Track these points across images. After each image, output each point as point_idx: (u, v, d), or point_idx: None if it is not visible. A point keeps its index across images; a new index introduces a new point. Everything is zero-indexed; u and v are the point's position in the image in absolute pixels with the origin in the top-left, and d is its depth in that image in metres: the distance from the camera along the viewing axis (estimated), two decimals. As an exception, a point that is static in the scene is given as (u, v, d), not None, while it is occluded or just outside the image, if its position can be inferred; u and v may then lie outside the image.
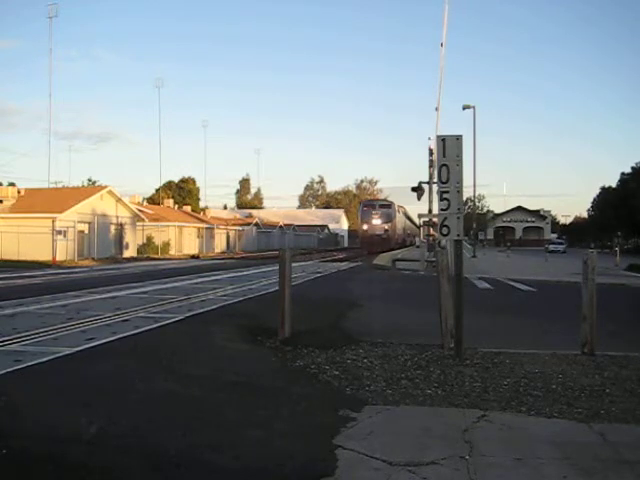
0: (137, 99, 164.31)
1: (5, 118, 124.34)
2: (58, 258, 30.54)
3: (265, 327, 8.09)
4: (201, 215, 58.65)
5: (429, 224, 26.16)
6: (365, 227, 53.13)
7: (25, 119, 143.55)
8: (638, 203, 52.09)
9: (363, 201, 65.95)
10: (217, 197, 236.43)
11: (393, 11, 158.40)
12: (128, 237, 39.06)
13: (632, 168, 61.63)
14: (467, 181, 48.81)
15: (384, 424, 4.36)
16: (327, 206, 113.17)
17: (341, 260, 37.55)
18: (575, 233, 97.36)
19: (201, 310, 10.58)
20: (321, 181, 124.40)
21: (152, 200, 62.91)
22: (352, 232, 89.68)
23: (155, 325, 8.69)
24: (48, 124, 51.77)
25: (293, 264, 9.68)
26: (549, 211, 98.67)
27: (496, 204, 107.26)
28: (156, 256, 39.93)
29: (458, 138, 6.71)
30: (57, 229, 31.82)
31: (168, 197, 60.90)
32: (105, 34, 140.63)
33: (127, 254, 37.78)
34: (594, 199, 78.37)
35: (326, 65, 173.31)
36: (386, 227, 51.50)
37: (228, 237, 56.92)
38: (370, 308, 11.50)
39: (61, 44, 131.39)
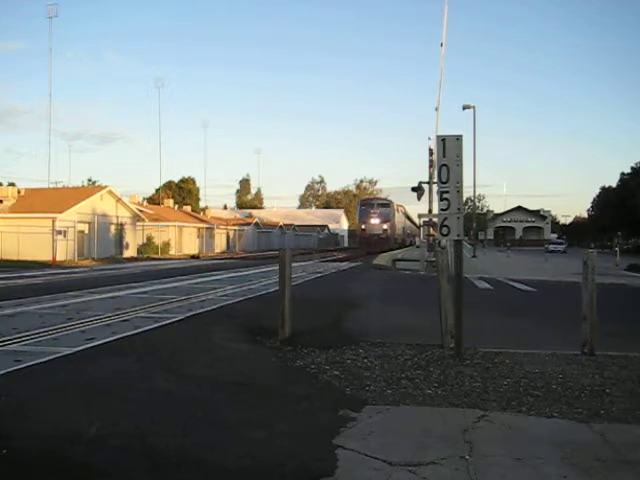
0: (138, 99, 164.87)
1: (11, 118, 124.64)
2: (58, 258, 30.53)
3: (265, 327, 8.09)
4: (201, 215, 58.64)
5: (429, 224, 26.15)
6: (363, 227, 52.80)
7: (31, 119, 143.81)
8: (638, 203, 52.04)
9: (361, 200, 65.64)
10: (217, 197, 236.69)
11: (393, 11, 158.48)
12: (128, 237, 39.04)
13: (632, 168, 61.58)
14: (467, 181, 48.72)
15: (384, 424, 4.36)
16: (327, 206, 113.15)
17: (341, 260, 37.54)
18: (575, 233, 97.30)
19: (201, 310, 10.58)
20: (321, 181, 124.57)
21: (152, 200, 62.88)
22: (352, 232, 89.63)
23: (155, 325, 8.69)
24: (50, 124, 51.85)
25: (293, 264, 9.68)
26: (549, 211, 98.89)
27: (496, 204, 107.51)
28: (156, 256, 39.91)
29: (458, 138, 6.71)
30: (57, 229, 31.81)
31: (168, 197, 60.85)
32: (108, 34, 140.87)
33: (127, 254, 37.76)
34: (594, 199, 78.37)
35: (326, 65, 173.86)
36: (385, 227, 51.20)
37: (228, 237, 56.92)
38: (370, 308, 11.50)
39: (68, 44, 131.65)
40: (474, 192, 45.39)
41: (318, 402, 4.93)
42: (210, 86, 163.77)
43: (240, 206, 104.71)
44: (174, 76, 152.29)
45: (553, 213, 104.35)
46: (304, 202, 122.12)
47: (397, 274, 23.46)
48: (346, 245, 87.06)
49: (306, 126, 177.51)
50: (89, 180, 62.92)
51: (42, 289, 14.63)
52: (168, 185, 70.82)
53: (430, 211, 24.10)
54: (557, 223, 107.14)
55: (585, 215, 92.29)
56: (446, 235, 6.70)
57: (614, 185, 68.05)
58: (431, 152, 23.20)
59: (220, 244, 54.43)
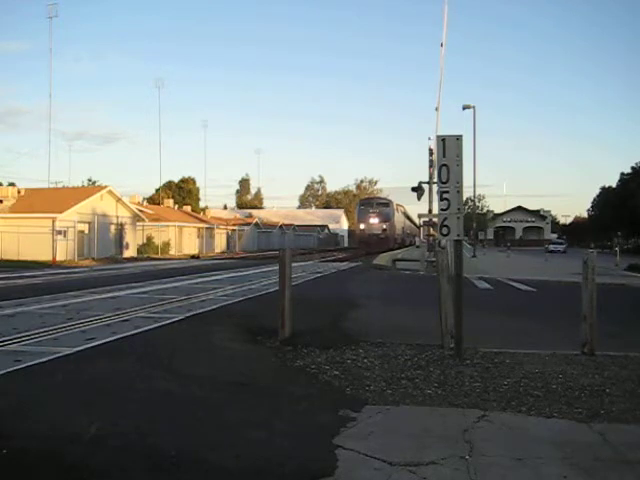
0: (138, 99, 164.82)
1: (11, 118, 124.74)
2: (58, 258, 30.53)
3: (265, 327, 8.08)
4: (201, 215, 58.63)
5: (429, 224, 26.16)
6: (362, 226, 52.43)
7: (31, 119, 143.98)
8: (638, 203, 52.05)
9: (360, 200, 65.36)
10: (217, 197, 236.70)
11: (393, 11, 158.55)
12: (128, 237, 39.03)
13: (632, 168, 61.61)
14: (467, 181, 48.81)
15: (384, 424, 4.36)
16: (327, 206, 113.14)
17: (341, 260, 37.50)
18: (575, 233, 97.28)
19: (201, 310, 10.57)
20: (321, 181, 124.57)
21: (152, 200, 62.86)
22: (352, 232, 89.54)
23: (155, 325, 8.69)
24: (51, 124, 51.92)
25: (293, 264, 9.67)
26: (549, 211, 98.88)
27: (496, 204, 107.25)
28: (156, 256, 39.91)
29: (458, 138, 6.71)
30: (57, 229, 31.81)
31: (168, 197, 60.85)
32: (108, 34, 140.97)
33: (127, 254, 37.75)
34: (594, 199, 78.37)
35: (326, 65, 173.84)
36: (384, 226, 50.90)
37: (228, 237, 56.90)
38: (370, 308, 11.50)
39: (68, 44, 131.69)
40: (474, 192, 45.55)
41: (318, 402, 4.93)
42: (210, 86, 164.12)
43: (240, 206, 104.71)
44: (174, 76, 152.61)
45: (553, 213, 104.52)
46: (304, 202, 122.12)
47: (397, 274, 23.46)
48: (346, 245, 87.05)
49: (306, 126, 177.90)
50: (89, 180, 63.00)
51: (42, 289, 14.63)
52: (168, 185, 70.80)
53: (430, 211, 24.10)
54: (557, 223, 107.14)
55: (585, 215, 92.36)
56: (446, 235, 6.71)
57: (614, 185, 68.09)
58: (431, 152, 23.21)
59: (220, 244, 54.42)
